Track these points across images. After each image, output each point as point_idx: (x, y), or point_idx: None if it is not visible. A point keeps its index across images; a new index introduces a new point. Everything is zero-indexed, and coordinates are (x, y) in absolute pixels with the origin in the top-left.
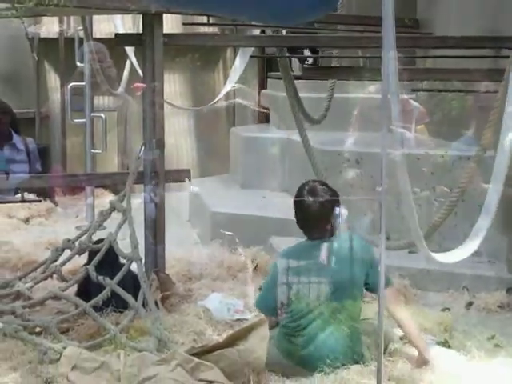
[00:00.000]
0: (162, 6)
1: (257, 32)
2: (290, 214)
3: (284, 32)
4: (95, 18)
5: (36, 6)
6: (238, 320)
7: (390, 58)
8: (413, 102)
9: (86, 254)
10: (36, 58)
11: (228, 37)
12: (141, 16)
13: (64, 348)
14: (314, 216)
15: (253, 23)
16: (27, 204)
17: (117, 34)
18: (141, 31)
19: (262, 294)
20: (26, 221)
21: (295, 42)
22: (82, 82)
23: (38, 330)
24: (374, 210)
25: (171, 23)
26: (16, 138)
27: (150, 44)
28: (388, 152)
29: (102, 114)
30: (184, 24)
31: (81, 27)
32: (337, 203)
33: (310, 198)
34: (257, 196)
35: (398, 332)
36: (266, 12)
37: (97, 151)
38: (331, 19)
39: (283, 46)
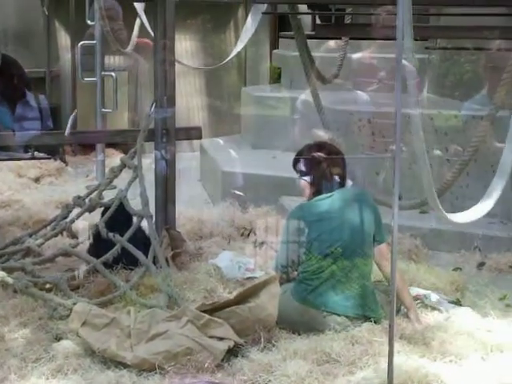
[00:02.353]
0: None
1: None
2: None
3: None
4: None
5: None
6: (249, 278)
7: (405, 14)
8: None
9: (98, 212)
10: (46, 13)
11: None
12: None
13: (74, 304)
14: (324, 171)
15: None
16: (38, 163)
17: None
18: None
19: (277, 255)
20: (37, 180)
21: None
22: (93, 40)
23: (48, 286)
24: (386, 169)
25: None
26: (29, 96)
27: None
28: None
29: (113, 73)
30: None
31: None
32: (343, 160)
33: (319, 154)
34: (268, 156)
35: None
36: None
37: (107, 110)
38: None
39: (297, 2)
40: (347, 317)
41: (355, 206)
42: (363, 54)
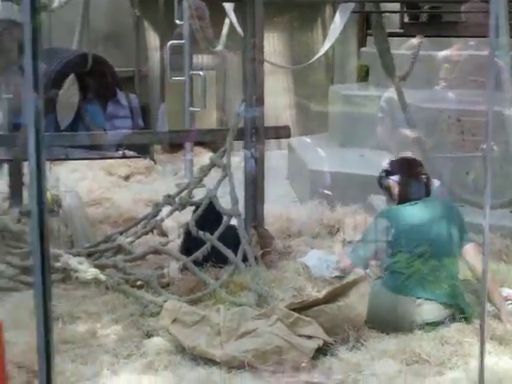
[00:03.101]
0: None
1: None
2: None
3: None
4: None
5: None
6: (337, 277)
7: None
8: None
9: (187, 210)
10: (138, 14)
11: None
12: None
13: (165, 301)
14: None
15: None
16: (127, 162)
17: None
18: None
19: (356, 246)
20: (126, 178)
21: None
22: (181, 40)
23: (138, 283)
24: (476, 168)
25: None
26: (120, 95)
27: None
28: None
29: (201, 72)
30: None
31: None
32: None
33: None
34: (355, 154)
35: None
36: None
37: (196, 109)
38: None
39: (385, 1)
40: (442, 304)
41: (442, 216)
42: (451, 51)
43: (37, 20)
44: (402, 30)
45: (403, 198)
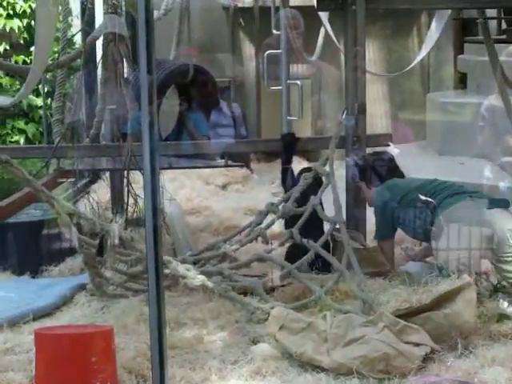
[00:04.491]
0: None
1: None
2: (492, 180)
3: None
4: None
5: None
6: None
7: None
8: None
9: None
10: (243, 24)
11: None
12: None
13: (272, 308)
14: None
15: None
16: (224, 171)
17: (318, 0)
18: None
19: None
20: (224, 187)
21: (499, 3)
22: (272, 49)
23: (243, 290)
24: None
25: None
26: (222, 104)
27: (352, 8)
28: None
29: (298, 81)
30: None
31: None
32: None
33: None
34: (455, 162)
35: None
36: None
37: (293, 118)
38: None
39: (486, 7)
40: None
41: None
42: None
43: (151, 32)
44: (499, 37)
45: None
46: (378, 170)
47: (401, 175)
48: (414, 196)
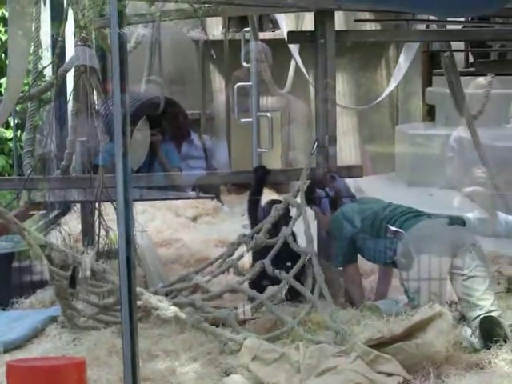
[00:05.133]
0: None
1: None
2: (459, 211)
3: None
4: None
5: (215, 5)
6: (409, 313)
7: None
8: None
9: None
10: (215, 56)
11: (401, 32)
12: (305, 15)
13: (244, 339)
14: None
15: (424, 17)
16: (195, 203)
17: (289, 32)
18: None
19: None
20: (194, 219)
21: (468, 36)
22: (245, 80)
23: (215, 322)
24: None
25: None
26: (193, 135)
27: (322, 41)
28: None
29: (268, 114)
30: (356, 21)
31: (247, 28)
32: None
33: None
34: (424, 194)
35: None
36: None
37: (263, 150)
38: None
39: (453, 40)
40: None
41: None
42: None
43: (124, 65)
44: (469, 69)
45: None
46: (329, 193)
47: (351, 196)
48: (374, 222)
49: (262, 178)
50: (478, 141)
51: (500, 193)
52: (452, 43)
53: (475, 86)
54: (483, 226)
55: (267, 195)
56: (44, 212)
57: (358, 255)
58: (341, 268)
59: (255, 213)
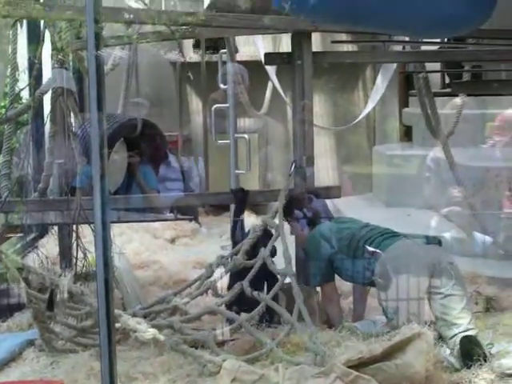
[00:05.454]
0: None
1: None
2: (436, 231)
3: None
4: (237, 41)
5: (192, 27)
6: (388, 333)
7: None
8: None
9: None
10: (192, 78)
11: (378, 53)
12: (282, 37)
13: (223, 361)
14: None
15: (400, 39)
16: (173, 224)
17: (266, 53)
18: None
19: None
20: (172, 241)
21: (443, 57)
22: (221, 103)
23: (194, 344)
24: None
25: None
26: (171, 157)
27: (299, 62)
28: None
29: (246, 135)
30: (333, 42)
31: (223, 50)
32: None
33: None
34: (402, 214)
35: None
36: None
37: (241, 171)
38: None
39: (428, 61)
40: None
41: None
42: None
43: (102, 87)
44: (445, 90)
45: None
46: (306, 214)
47: (330, 216)
48: (351, 242)
49: (242, 199)
50: (452, 161)
51: (476, 212)
52: (428, 64)
53: (452, 107)
54: (460, 245)
55: (247, 216)
56: (21, 235)
57: (336, 275)
58: (318, 288)
59: (236, 233)
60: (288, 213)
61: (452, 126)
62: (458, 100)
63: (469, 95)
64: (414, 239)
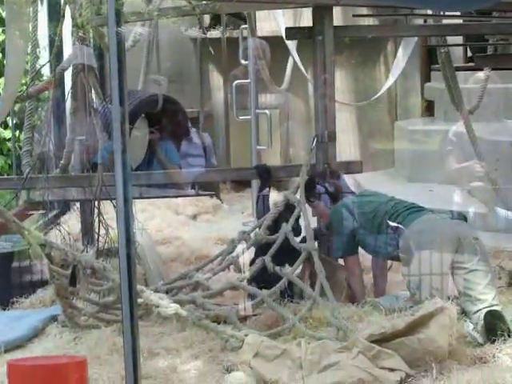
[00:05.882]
0: None
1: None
2: (461, 206)
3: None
4: (257, 16)
5: (213, 2)
6: (411, 307)
7: None
8: None
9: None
10: (213, 53)
11: (399, 27)
12: (302, 12)
13: (246, 336)
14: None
15: (422, 12)
16: (194, 201)
17: (287, 28)
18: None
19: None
20: (194, 217)
21: (466, 30)
22: (242, 79)
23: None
24: None
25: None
26: (193, 133)
27: (320, 36)
28: None
29: (267, 111)
30: (354, 15)
31: (244, 25)
32: None
33: None
34: (424, 189)
35: None
36: None
37: (262, 147)
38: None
39: (448, 34)
40: None
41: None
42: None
43: (122, 63)
44: (467, 64)
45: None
46: (328, 188)
47: (349, 190)
48: (376, 216)
49: (265, 175)
50: (473, 136)
51: (498, 187)
52: (450, 38)
53: (475, 81)
54: (483, 220)
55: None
56: (43, 211)
57: (360, 249)
58: (341, 259)
59: (262, 210)
60: (309, 193)
61: (477, 100)
62: (481, 74)
63: (493, 69)
64: (439, 214)
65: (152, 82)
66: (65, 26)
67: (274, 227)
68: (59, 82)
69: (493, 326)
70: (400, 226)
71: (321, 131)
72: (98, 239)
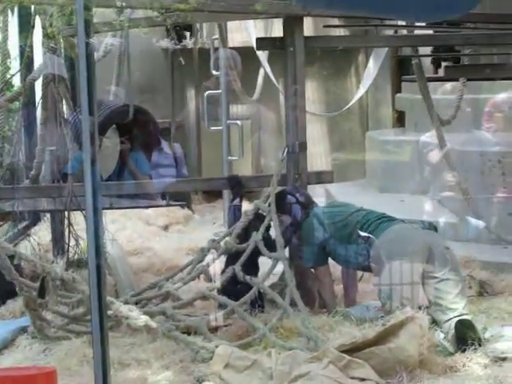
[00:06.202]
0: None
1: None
2: (432, 216)
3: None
4: (229, 27)
5: (185, 12)
6: (382, 317)
7: None
8: None
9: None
10: (183, 63)
11: (370, 38)
12: (274, 23)
13: (216, 347)
14: None
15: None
16: (166, 211)
17: (258, 38)
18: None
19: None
20: (165, 228)
21: (436, 41)
22: (214, 90)
23: (187, 330)
24: None
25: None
26: (164, 144)
27: (291, 47)
28: None
29: (239, 122)
30: (325, 26)
31: (215, 36)
32: None
33: None
34: (395, 199)
35: None
36: (413, 8)
37: (233, 158)
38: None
39: (428, 45)
40: None
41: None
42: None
43: (91, 74)
44: (436, 75)
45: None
46: (298, 198)
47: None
48: (346, 226)
49: (237, 186)
50: (444, 146)
51: (469, 197)
52: (421, 49)
53: (443, 92)
54: (453, 230)
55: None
56: (13, 222)
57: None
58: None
59: (233, 220)
60: (278, 207)
61: (454, 110)
62: (448, 85)
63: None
64: (410, 224)
65: (114, 94)
66: (35, 36)
67: (245, 236)
68: (29, 92)
69: (463, 336)
70: (371, 235)
71: (291, 142)
72: (67, 250)
